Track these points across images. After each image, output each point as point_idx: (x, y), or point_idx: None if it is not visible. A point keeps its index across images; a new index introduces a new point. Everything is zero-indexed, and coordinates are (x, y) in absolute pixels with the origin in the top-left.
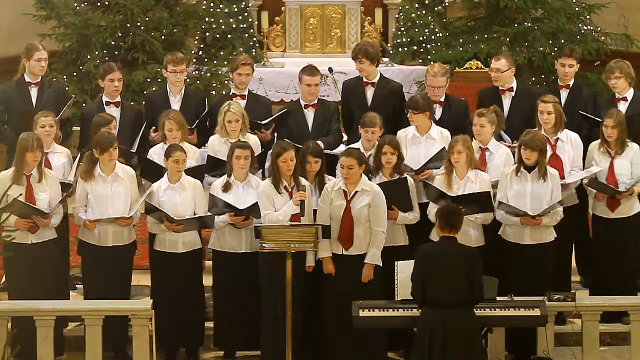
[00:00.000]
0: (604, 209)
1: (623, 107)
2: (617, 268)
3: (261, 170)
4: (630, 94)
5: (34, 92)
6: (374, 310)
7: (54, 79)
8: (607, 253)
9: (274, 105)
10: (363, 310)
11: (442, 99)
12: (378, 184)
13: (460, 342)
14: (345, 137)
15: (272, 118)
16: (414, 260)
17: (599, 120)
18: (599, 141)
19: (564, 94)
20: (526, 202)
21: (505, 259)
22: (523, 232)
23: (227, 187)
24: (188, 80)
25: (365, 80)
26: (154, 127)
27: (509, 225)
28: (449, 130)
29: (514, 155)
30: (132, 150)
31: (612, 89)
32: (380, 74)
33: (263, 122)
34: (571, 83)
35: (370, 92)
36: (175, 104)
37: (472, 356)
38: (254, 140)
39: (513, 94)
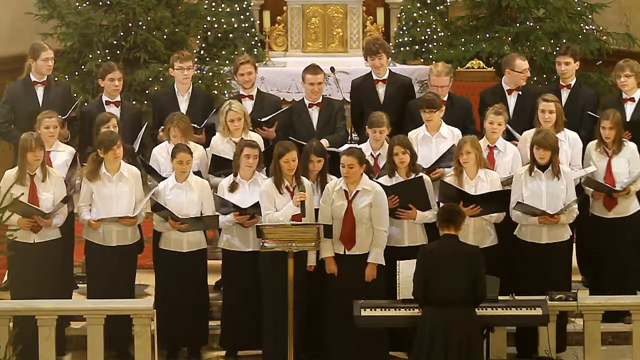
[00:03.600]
0: (601, 208)
1: (630, 107)
2: (614, 267)
3: (265, 168)
4: (637, 94)
5: (40, 91)
6: (375, 310)
7: (56, 78)
8: (604, 253)
9: None
10: (364, 310)
11: (445, 98)
12: (395, 184)
13: (461, 341)
14: (356, 137)
15: (273, 115)
16: (415, 260)
17: None
18: (597, 140)
19: (565, 94)
20: (542, 201)
21: (522, 258)
22: (540, 231)
23: (233, 187)
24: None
25: (375, 77)
26: (162, 127)
27: (525, 224)
28: None
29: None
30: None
31: (620, 87)
32: (389, 69)
33: (263, 119)
34: (572, 82)
35: (381, 89)
36: (183, 103)
37: (473, 356)
38: (256, 138)
39: (519, 92)
